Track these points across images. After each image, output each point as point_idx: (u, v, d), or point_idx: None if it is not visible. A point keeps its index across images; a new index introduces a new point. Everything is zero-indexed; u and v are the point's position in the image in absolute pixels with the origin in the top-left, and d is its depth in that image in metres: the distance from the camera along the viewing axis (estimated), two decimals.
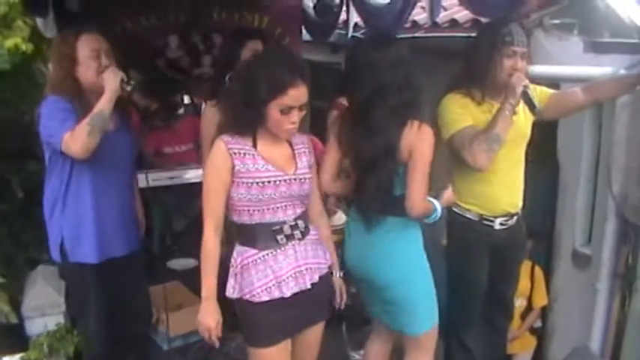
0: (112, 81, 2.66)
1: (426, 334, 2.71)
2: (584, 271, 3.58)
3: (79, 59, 2.71)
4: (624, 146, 2.67)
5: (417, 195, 2.46)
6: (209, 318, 2.31)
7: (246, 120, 2.25)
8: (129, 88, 2.74)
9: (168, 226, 5.35)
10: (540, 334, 3.89)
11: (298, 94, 2.20)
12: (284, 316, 2.35)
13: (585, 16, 3.54)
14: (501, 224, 2.91)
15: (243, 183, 2.25)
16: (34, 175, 2.87)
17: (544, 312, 3.88)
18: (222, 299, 2.37)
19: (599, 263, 3.33)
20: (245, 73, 2.27)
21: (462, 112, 2.74)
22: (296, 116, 2.25)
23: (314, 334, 2.54)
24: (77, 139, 2.54)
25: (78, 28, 2.75)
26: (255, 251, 2.33)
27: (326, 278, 2.51)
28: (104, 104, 2.61)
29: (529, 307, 3.78)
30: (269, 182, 2.27)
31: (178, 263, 4.84)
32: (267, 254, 2.33)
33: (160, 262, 4.87)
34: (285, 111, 2.21)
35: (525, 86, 2.61)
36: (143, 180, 3.44)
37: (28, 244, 3.75)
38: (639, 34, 2.84)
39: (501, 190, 2.87)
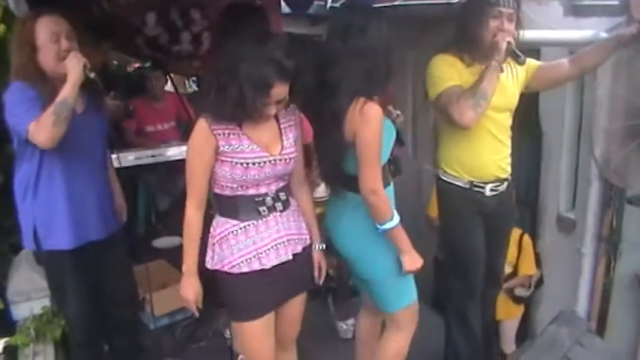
0: (74, 67, 2.54)
1: (400, 313, 2.64)
2: (569, 235, 3.60)
3: (39, 44, 2.59)
4: (606, 108, 2.67)
5: (365, 179, 2.33)
6: (190, 291, 2.34)
7: (232, 114, 2.20)
8: (92, 75, 2.61)
9: (152, 205, 5.32)
10: (527, 302, 3.90)
11: (279, 93, 2.18)
12: (265, 289, 2.34)
13: None
14: (492, 190, 2.89)
15: (227, 161, 2.23)
16: (12, 159, 2.81)
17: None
18: (211, 274, 2.38)
19: (583, 227, 3.36)
20: (230, 69, 2.17)
21: (449, 71, 2.72)
22: (274, 109, 2.23)
23: (297, 305, 2.54)
24: (42, 129, 2.44)
25: (36, 10, 2.66)
26: (236, 222, 2.32)
27: (309, 249, 2.51)
28: (67, 92, 2.50)
29: (514, 274, 3.78)
30: (253, 164, 2.25)
31: (163, 242, 4.82)
32: (249, 225, 2.32)
33: (144, 242, 4.85)
34: (267, 105, 2.20)
35: (509, 42, 2.60)
36: (115, 161, 3.38)
37: (10, 229, 3.71)
38: None
39: (489, 155, 2.86)
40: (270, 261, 2.33)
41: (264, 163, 2.27)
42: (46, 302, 3.30)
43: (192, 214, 2.30)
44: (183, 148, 4.55)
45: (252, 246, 2.31)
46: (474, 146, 2.81)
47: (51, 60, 2.59)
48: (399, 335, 2.69)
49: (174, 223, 3.36)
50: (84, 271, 2.82)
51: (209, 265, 2.37)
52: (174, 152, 4.67)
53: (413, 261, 2.46)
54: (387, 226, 2.38)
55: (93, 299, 2.89)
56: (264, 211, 2.34)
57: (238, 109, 2.16)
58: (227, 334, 3.16)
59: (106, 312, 3.02)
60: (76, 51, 2.60)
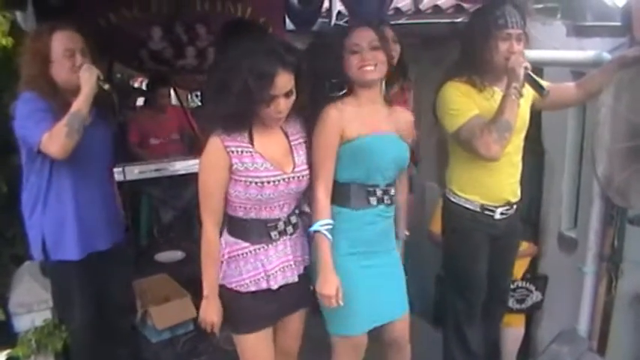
0: (88, 80, 2.57)
1: (335, 338, 2.59)
2: (571, 254, 3.59)
3: (53, 58, 2.63)
4: (608, 128, 2.68)
5: (312, 179, 2.41)
6: (213, 315, 2.32)
7: (240, 117, 2.20)
8: (106, 87, 2.65)
9: (155, 218, 5.33)
10: (529, 317, 3.89)
11: (285, 81, 2.15)
12: (269, 305, 2.36)
13: (568, 0, 3.55)
14: (502, 214, 2.86)
15: (241, 181, 2.22)
16: (17, 170, 2.82)
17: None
18: None
19: (585, 246, 3.35)
20: (232, 65, 2.18)
21: (466, 102, 2.68)
22: (282, 104, 2.19)
23: (298, 319, 2.56)
24: (55, 141, 2.47)
25: (52, 24, 2.67)
26: (246, 244, 2.32)
27: (309, 269, 2.51)
28: (81, 104, 2.54)
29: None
30: (268, 182, 2.24)
31: (166, 256, 4.85)
32: (259, 248, 2.33)
33: (147, 255, 4.87)
34: (270, 101, 2.16)
35: (526, 67, 2.56)
36: (120, 174, 3.41)
37: (13, 239, 3.73)
38: (621, 17, 2.85)
39: (504, 179, 2.84)
40: (277, 282, 2.34)
41: (279, 181, 2.26)
42: (48, 314, 3.31)
43: (212, 233, 2.28)
44: (188, 162, 4.60)
45: (260, 268, 2.32)
46: (492, 169, 2.78)
47: (64, 74, 2.64)
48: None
49: (176, 236, 3.37)
50: (89, 281, 2.84)
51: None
52: (178, 166, 4.70)
53: (325, 283, 2.34)
54: (315, 225, 2.38)
55: (97, 309, 2.91)
56: (275, 235, 2.34)
57: (244, 105, 2.15)
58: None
59: (107, 323, 3.03)
60: (89, 64, 2.63)
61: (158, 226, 5.33)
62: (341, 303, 2.36)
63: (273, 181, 2.24)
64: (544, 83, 2.82)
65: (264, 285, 2.32)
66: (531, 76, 2.59)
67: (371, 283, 2.53)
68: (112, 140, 2.99)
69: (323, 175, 2.40)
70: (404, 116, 2.64)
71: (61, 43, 2.63)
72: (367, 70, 2.42)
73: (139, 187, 4.92)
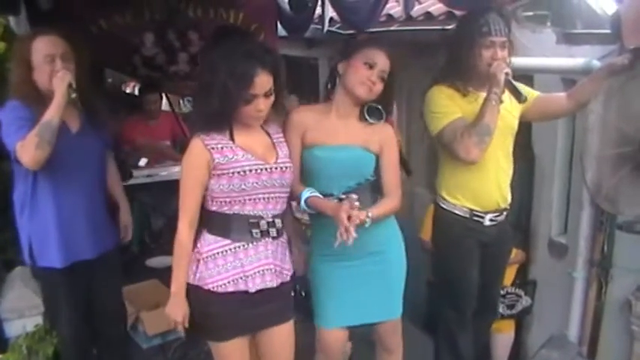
0: (59, 87, 2.53)
1: (317, 329, 2.74)
2: (561, 260, 3.61)
3: (34, 64, 2.60)
4: (597, 135, 2.70)
5: None
6: (178, 311, 2.33)
7: (220, 116, 2.24)
8: (74, 96, 2.56)
9: (146, 224, 5.32)
10: (519, 322, 3.91)
11: (263, 81, 2.20)
12: (243, 311, 2.34)
13: (558, 7, 3.58)
14: (491, 220, 2.89)
15: (224, 174, 2.24)
16: (8, 175, 2.82)
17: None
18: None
19: (575, 252, 3.37)
20: (212, 68, 2.24)
21: (449, 104, 2.73)
22: (262, 104, 2.24)
23: (280, 334, 2.50)
24: (26, 151, 2.44)
25: (35, 30, 2.67)
26: (227, 242, 2.32)
27: (291, 283, 2.53)
28: (52, 113, 2.48)
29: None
30: (250, 171, 2.26)
31: (157, 261, 4.84)
32: (239, 246, 2.33)
33: (138, 261, 4.86)
34: (250, 100, 2.21)
35: (507, 74, 2.61)
36: None
37: (4, 244, 3.72)
38: (611, 25, 2.87)
39: (493, 184, 2.86)
40: (255, 285, 2.34)
41: (261, 170, 2.29)
42: (39, 320, 3.30)
43: (185, 232, 2.30)
44: (179, 168, 4.59)
45: (239, 268, 2.32)
46: (481, 175, 2.80)
47: (45, 80, 2.60)
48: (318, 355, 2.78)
49: (168, 242, 3.37)
50: (76, 290, 2.82)
51: (190, 279, 2.35)
52: (169, 172, 4.70)
53: (335, 215, 2.33)
54: (302, 198, 2.50)
55: (85, 316, 2.89)
56: (256, 233, 2.34)
57: (225, 106, 2.19)
58: None
59: (97, 331, 3.02)
60: (65, 70, 2.58)
61: (149, 232, 5.33)
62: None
63: (255, 169, 2.27)
64: (531, 91, 2.86)
65: (242, 286, 2.31)
66: (511, 83, 2.63)
67: (345, 284, 2.64)
68: (103, 148, 2.96)
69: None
70: (382, 130, 2.65)
71: (42, 48, 2.60)
72: (365, 90, 2.49)
73: (130, 194, 4.90)
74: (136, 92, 6.89)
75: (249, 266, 2.33)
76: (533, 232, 3.88)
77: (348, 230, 2.26)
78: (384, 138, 2.63)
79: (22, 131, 2.47)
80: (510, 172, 2.94)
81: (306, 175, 2.59)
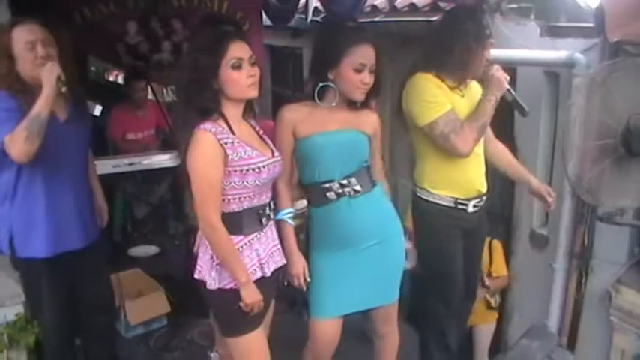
0: (48, 79, 2.47)
1: (310, 320, 2.73)
2: (542, 251, 3.65)
3: (16, 53, 2.56)
4: (579, 128, 2.72)
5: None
6: (256, 296, 2.29)
7: (209, 93, 2.22)
8: (64, 89, 2.53)
9: (129, 213, 5.30)
10: (500, 312, 3.94)
11: (241, 47, 2.22)
12: (265, 296, 2.35)
13: (542, 0, 3.59)
14: (474, 206, 2.90)
15: (236, 171, 2.22)
16: None
17: (503, 291, 3.94)
18: (188, 284, 2.37)
19: (555, 243, 3.40)
20: (187, 54, 2.29)
21: (440, 94, 2.71)
22: (250, 69, 2.23)
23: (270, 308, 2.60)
24: (15, 145, 2.41)
25: (13, 20, 2.61)
26: (240, 238, 2.31)
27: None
28: (41, 106, 2.43)
29: (488, 278, 3.78)
30: (263, 167, 2.28)
31: (139, 250, 4.83)
32: (253, 238, 2.34)
33: (121, 250, 4.85)
34: (236, 65, 2.20)
35: (508, 90, 2.72)
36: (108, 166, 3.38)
37: None
38: (594, 19, 2.89)
39: (473, 171, 2.89)
40: (269, 268, 2.39)
41: (270, 165, 2.32)
42: (20, 309, 3.27)
43: (220, 227, 2.24)
44: (162, 156, 4.58)
45: (255, 258, 2.34)
46: (462, 164, 2.81)
47: (28, 68, 2.56)
48: (308, 343, 2.78)
49: (150, 232, 3.36)
50: (60, 279, 2.80)
51: (211, 286, 2.31)
52: (152, 161, 4.68)
53: (292, 264, 2.58)
54: (277, 217, 2.54)
55: (69, 307, 2.88)
56: (264, 221, 2.38)
57: (204, 80, 2.20)
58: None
59: (83, 320, 3.01)
60: (53, 61, 2.54)
61: (132, 221, 5.32)
62: (308, 279, 2.61)
63: (267, 166, 2.30)
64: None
65: (258, 274, 2.33)
66: (517, 100, 2.76)
67: (345, 272, 2.63)
68: (88, 137, 2.93)
69: (283, 170, 2.50)
70: (368, 116, 2.67)
71: (21, 36, 2.56)
72: (362, 91, 2.51)
73: (114, 183, 4.89)
74: (120, 81, 6.86)
75: (263, 253, 2.36)
76: (515, 223, 3.91)
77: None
78: (371, 123, 2.67)
79: (9, 124, 2.44)
80: (483, 156, 2.96)
81: (304, 163, 2.58)
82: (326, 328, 2.68)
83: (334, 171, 2.54)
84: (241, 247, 2.31)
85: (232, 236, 2.29)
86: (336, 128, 2.55)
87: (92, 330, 3.10)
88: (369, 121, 2.66)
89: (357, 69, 2.45)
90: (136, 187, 5.14)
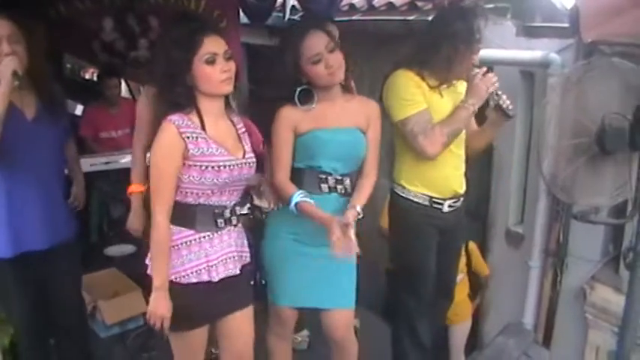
0: (3, 75, 2.40)
1: (269, 306, 2.80)
2: (518, 249, 3.68)
3: None
4: (554, 127, 2.75)
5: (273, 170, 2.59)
6: (163, 308, 2.22)
7: (182, 88, 2.20)
8: (16, 83, 2.42)
9: (105, 212, 5.25)
10: (476, 310, 3.96)
11: (215, 41, 2.20)
12: (208, 301, 2.31)
13: (518, 0, 3.62)
14: (450, 206, 2.90)
15: (196, 166, 2.19)
16: None
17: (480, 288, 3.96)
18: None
19: (531, 242, 3.44)
20: (160, 48, 2.26)
21: (417, 93, 2.71)
22: (225, 65, 2.21)
23: (241, 319, 2.49)
24: None
25: None
26: (191, 232, 2.28)
27: (248, 266, 2.50)
28: None
29: (469, 279, 3.81)
30: (224, 167, 2.23)
31: (115, 250, 4.78)
32: (205, 236, 2.29)
33: (97, 250, 4.80)
34: (210, 60, 2.17)
35: (497, 94, 2.72)
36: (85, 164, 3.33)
37: None
38: (569, 19, 2.91)
39: (451, 171, 2.89)
40: (218, 274, 2.32)
41: (234, 166, 2.27)
42: None
43: (164, 224, 2.21)
44: None
45: (203, 258, 2.29)
46: (438, 163, 2.80)
47: None
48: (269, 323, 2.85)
49: (126, 231, 3.33)
50: (27, 280, 2.74)
51: (150, 271, 2.29)
52: (128, 159, 4.63)
53: (330, 230, 2.38)
54: (292, 201, 2.49)
55: (40, 308, 2.83)
56: (221, 223, 2.33)
57: (177, 75, 2.17)
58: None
59: (54, 321, 2.96)
60: (12, 56, 2.46)
61: (108, 220, 5.27)
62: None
63: (229, 166, 2.25)
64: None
65: (205, 277, 2.29)
66: (501, 106, 2.75)
67: (300, 266, 2.64)
68: (61, 137, 2.85)
69: (282, 165, 2.55)
70: (368, 105, 2.68)
71: None
72: (330, 78, 2.49)
73: (89, 182, 4.84)
74: (95, 78, 6.79)
75: (213, 255, 2.31)
76: (491, 221, 3.94)
77: (338, 241, 2.33)
78: (369, 113, 2.65)
79: None
80: (464, 158, 2.97)
81: (305, 152, 2.57)
82: (281, 312, 2.75)
83: (334, 165, 2.56)
84: (189, 242, 2.28)
85: (184, 229, 2.27)
86: (337, 126, 2.56)
87: (65, 331, 3.05)
88: (368, 111, 2.65)
89: (313, 61, 2.46)
90: (112, 186, 5.07)
